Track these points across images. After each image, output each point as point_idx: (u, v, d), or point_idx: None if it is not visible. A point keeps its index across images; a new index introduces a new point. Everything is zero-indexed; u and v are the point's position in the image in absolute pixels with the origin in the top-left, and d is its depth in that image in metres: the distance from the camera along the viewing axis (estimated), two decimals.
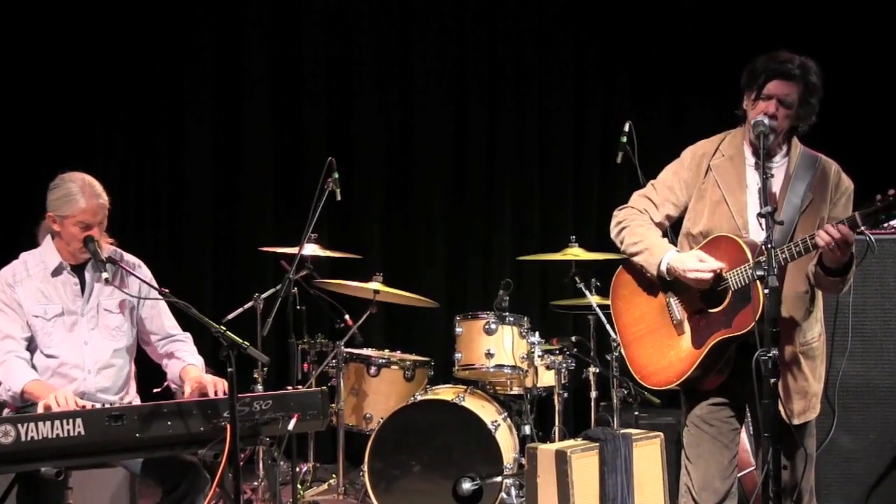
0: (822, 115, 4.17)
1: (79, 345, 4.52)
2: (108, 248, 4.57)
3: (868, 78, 7.68)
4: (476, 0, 8.34)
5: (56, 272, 4.54)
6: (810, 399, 4.15)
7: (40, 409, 4.05)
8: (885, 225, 5.40)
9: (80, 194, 4.43)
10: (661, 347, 4.26)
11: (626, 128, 6.03)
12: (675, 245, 4.32)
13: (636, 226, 4.33)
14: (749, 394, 3.89)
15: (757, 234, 4.03)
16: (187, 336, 4.81)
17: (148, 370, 4.97)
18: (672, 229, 4.48)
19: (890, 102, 7.67)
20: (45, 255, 4.56)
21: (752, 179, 4.13)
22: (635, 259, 4.31)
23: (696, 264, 4.09)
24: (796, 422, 4.11)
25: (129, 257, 4.71)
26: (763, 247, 3.81)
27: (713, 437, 4.24)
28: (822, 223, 3.99)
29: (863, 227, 3.82)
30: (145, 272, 4.72)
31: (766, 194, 3.86)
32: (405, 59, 8.30)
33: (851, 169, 4.24)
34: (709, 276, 4.07)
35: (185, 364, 4.66)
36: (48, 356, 4.47)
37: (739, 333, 3.99)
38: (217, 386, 4.33)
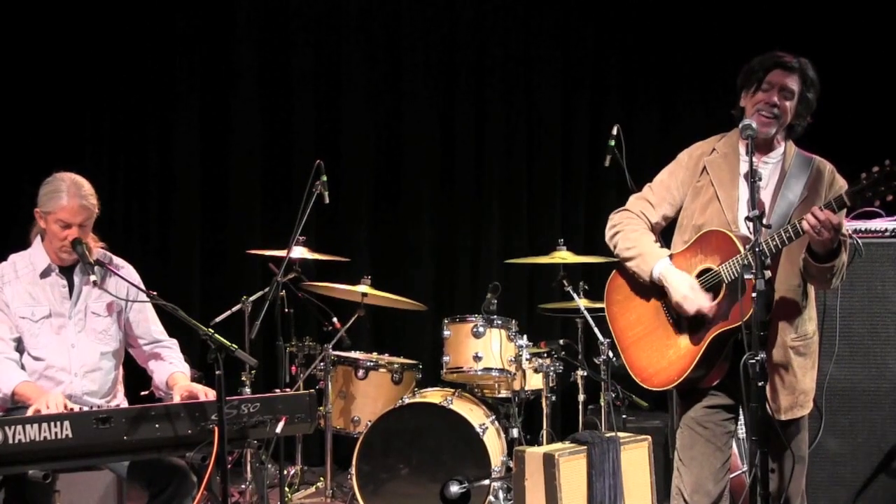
0: (817, 116, 4.20)
1: (66, 347, 4.51)
2: (97, 250, 4.56)
3: (861, 80, 7.69)
4: (464, 2, 8.35)
5: (44, 274, 4.53)
6: (798, 396, 4.15)
7: (30, 414, 4.03)
8: (873, 229, 5.47)
9: (65, 192, 4.43)
10: (661, 347, 4.26)
11: (614, 131, 6.03)
12: (670, 246, 4.34)
13: (630, 230, 4.36)
14: (741, 395, 3.90)
15: (746, 228, 4.05)
16: (174, 342, 4.80)
17: (136, 373, 4.96)
18: (667, 231, 4.49)
19: (882, 103, 7.69)
20: (34, 256, 4.55)
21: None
22: (628, 264, 4.34)
23: (686, 292, 4.13)
24: (782, 418, 4.12)
25: (117, 260, 4.70)
26: (752, 249, 3.82)
27: (707, 439, 4.24)
28: None
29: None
30: (133, 275, 4.71)
31: (753, 198, 3.87)
32: (393, 62, 8.30)
33: (844, 170, 4.25)
34: (691, 311, 4.11)
35: (173, 371, 4.65)
36: (35, 358, 4.46)
37: (736, 325, 3.99)
38: (207, 395, 4.31)
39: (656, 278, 4.22)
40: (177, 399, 4.35)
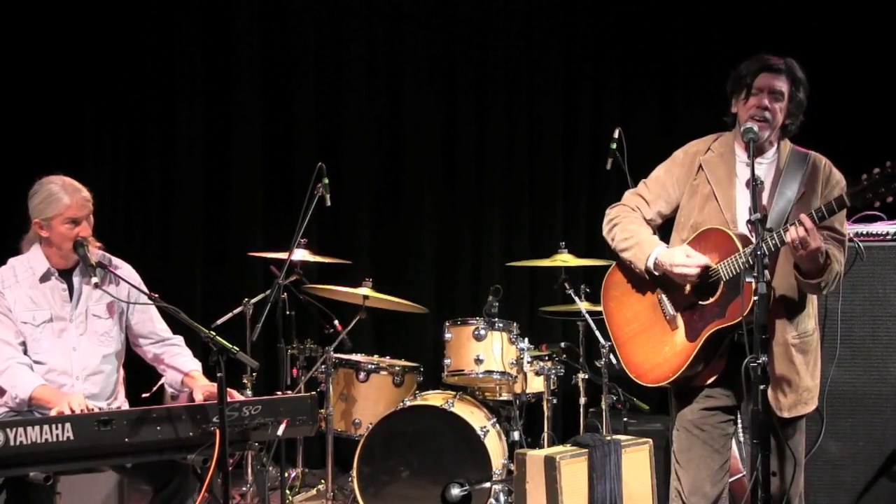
0: (812, 113, 4.21)
1: (67, 351, 4.51)
2: (97, 252, 4.56)
3: (860, 76, 7.70)
4: (465, 2, 8.35)
5: (44, 278, 4.53)
6: (801, 393, 4.16)
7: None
8: (875, 233, 5.47)
9: (63, 192, 4.44)
10: (656, 344, 4.27)
11: (616, 134, 6.04)
12: (667, 243, 4.35)
13: (627, 223, 4.38)
14: (740, 398, 3.90)
15: (744, 227, 4.07)
16: (179, 339, 4.81)
17: (137, 375, 4.95)
18: (664, 230, 4.49)
19: (880, 101, 7.69)
20: (33, 260, 4.55)
21: (743, 174, 4.17)
22: (624, 255, 4.35)
23: (683, 259, 4.13)
24: (786, 415, 4.12)
25: (116, 261, 4.70)
26: (754, 252, 3.82)
27: (704, 441, 4.24)
28: None
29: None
30: (133, 275, 4.71)
31: (755, 202, 3.88)
32: (394, 64, 8.30)
33: (844, 168, 4.26)
34: (695, 271, 4.10)
35: (188, 370, 4.67)
36: (36, 362, 4.46)
37: (733, 323, 4.00)
38: (233, 395, 4.31)
39: (651, 265, 4.22)
40: (199, 399, 4.39)
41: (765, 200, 4.14)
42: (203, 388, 4.46)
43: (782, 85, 4.12)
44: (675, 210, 4.39)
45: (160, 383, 4.93)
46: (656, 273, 4.25)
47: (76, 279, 4.58)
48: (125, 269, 4.71)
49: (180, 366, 4.69)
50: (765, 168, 4.19)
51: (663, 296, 4.28)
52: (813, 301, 4.24)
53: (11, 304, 4.47)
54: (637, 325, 4.36)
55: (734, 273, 4.02)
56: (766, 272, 3.82)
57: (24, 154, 7.43)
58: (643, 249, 4.27)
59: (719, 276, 4.09)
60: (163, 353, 4.74)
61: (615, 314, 4.47)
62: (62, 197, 4.43)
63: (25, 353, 4.46)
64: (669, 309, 4.25)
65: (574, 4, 8.38)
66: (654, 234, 4.40)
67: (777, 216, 4.08)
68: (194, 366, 4.70)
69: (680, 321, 4.22)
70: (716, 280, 4.11)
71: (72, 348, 4.53)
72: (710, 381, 4.21)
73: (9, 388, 4.35)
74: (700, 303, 4.16)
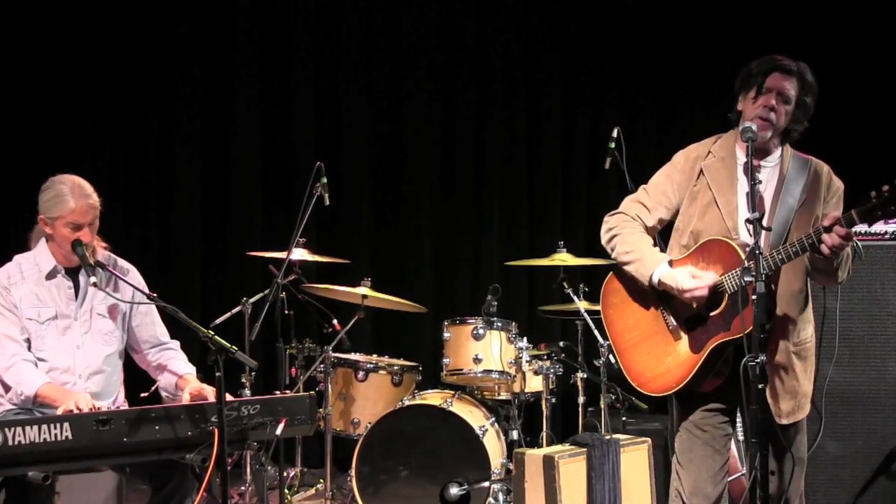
0: (815, 117, 4.20)
1: (71, 349, 4.51)
2: (101, 252, 4.57)
3: (860, 80, 7.70)
4: (465, 1, 8.35)
5: (50, 275, 4.53)
6: (800, 399, 4.16)
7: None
8: (873, 232, 5.48)
9: (70, 195, 4.43)
10: (658, 354, 4.25)
11: (615, 133, 6.03)
12: (666, 250, 4.34)
13: (627, 234, 4.33)
14: (740, 398, 3.91)
15: (747, 235, 4.05)
16: (176, 343, 4.81)
17: (136, 374, 4.95)
18: (663, 234, 4.48)
19: (881, 105, 7.69)
20: (39, 257, 4.55)
21: (744, 180, 4.14)
22: (627, 268, 4.31)
23: (690, 283, 4.09)
24: (785, 422, 4.12)
25: (122, 263, 4.70)
26: (752, 252, 3.81)
27: (705, 442, 4.24)
28: (817, 221, 4.03)
29: (860, 225, 3.85)
30: (137, 278, 4.71)
31: (753, 200, 3.87)
32: (394, 64, 8.30)
33: (844, 172, 4.26)
34: (704, 292, 4.07)
35: (182, 373, 4.67)
36: (39, 359, 4.46)
37: (738, 336, 3.97)
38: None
39: (656, 283, 4.20)
40: (186, 398, 4.38)
41: (767, 204, 4.12)
42: (190, 389, 4.46)
43: (791, 87, 4.09)
44: (675, 215, 4.36)
45: (156, 385, 4.92)
46: (659, 289, 4.24)
47: (82, 278, 4.57)
48: (131, 272, 4.71)
49: (175, 369, 4.69)
50: (768, 172, 4.16)
51: (666, 305, 4.26)
52: (810, 306, 4.23)
53: (17, 301, 4.47)
54: (638, 334, 4.33)
55: (739, 286, 4.00)
56: (772, 285, 3.81)
57: (25, 153, 7.45)
58: (646, 266, 4.22)
59: (724, 288, 4.07)
60: (159, 359, 4.74)
61: (615, 321, 4.44)
62: (68, 200, 4.43)
63: (29, 349, 4.46)
64: (672, 319, 4.23)
65: (574, 4, 8.38)
66: (655, 243, 4.38)
67: (780, 223, 4.06)
68: (188, 369, 4.70)
69: (683, 332, 4.20)
70: (720, 292, 4.09)
71: (76, 346, 4.53)
72: (713, 389, 4.20)
73: (14, 385, 4.35)
74: (704, 315, 4.15)
